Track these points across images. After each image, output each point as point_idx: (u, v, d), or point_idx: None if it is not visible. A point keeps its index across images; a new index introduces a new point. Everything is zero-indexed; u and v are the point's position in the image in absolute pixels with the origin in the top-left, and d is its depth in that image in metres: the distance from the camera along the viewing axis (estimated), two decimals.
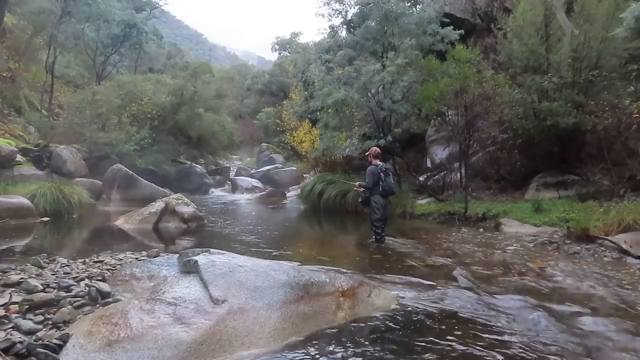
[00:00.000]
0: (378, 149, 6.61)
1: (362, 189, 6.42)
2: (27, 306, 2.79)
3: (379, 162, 6.36)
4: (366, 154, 6.79)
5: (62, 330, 2.52)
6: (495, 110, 8.53)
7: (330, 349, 2.64)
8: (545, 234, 6.31)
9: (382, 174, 6.25)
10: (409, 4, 11.76)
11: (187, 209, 8.44)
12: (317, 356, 2.54)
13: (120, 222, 8.21)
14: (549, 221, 6.83)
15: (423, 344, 2.74)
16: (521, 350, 2.67)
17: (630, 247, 5.05)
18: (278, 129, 25.56)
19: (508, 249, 5.73)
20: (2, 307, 2.78)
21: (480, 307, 3.42)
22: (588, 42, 8.18)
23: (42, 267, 3.97)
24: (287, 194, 15.76)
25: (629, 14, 6.56)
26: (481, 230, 7.40)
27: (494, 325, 3.06)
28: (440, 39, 10.56)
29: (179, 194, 9.32)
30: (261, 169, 22.14)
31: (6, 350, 2.22)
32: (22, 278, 3.34)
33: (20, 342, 2.30)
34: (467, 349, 2.66)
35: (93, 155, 13.38)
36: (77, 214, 9.38)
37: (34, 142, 13.14)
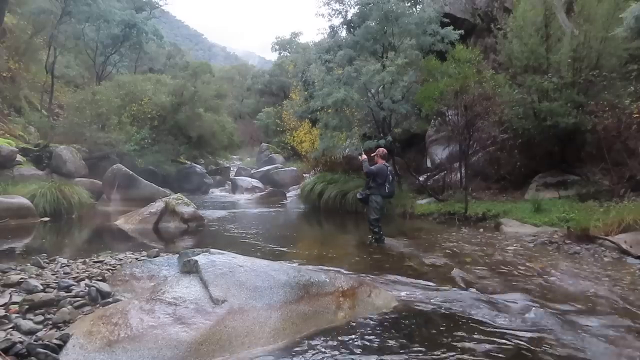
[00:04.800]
0: (385, 150, 6.59)
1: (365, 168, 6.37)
2: (27, 306, 2.79)
3: (386, 163, 6.37)
4: (372, 154, 6.73)
5: (62, 330, 2.52)
6: (495, 110, 8.53)
7: (330, 349, 2.64)
8: (545, 234, 6.31)
9: (389, 175, 6.27)
10: (409, 4, 11.76)
11: (187, 209, 8.44)
12: (317, 356, 2.54)
13: (120, 222, 8.22)
14: (549, 221, 6.82)
15: (423, 343, 2.74)
16: (521, 349, 2.67)
17: (630, 247, 5.05)
18: (278, 129, 25.54)
19: (508, 249, 5.73)
20: (2, 307, 2.78)
21: (480, 307, 3.42)
22: (588, 42, 8.18)
23: (42, 267, 3.96)
24: (287, 194, 15.76)
25: (629, 14, 6.57)
26: (481, 230, 7.40)
27: (494, 325, 3.06)
28: (440, 39, 10.56)
29: (179, 194, 9.32)
30: (261, 169, 22.14)
31: (6, 350, 2.22)
32: (22, 278, 3.33)
33: (20, 342, 2.29)
34: (467, 349, 2.66)
35: (93, 155, 13.38)
36: (77, 214, 9.37)
37: (34, 142, 13.13)
